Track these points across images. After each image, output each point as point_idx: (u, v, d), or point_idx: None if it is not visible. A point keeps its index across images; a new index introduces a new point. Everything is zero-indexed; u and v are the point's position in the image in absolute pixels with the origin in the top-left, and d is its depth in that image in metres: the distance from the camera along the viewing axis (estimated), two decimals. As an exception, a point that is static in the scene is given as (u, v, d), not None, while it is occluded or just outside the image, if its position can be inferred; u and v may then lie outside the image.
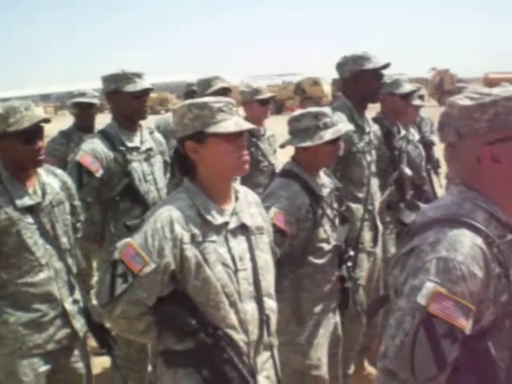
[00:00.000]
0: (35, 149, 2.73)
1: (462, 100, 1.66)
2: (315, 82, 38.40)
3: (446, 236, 1.56)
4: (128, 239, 2.14)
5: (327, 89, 37.38)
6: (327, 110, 3.11)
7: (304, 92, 38.52)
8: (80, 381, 2.97)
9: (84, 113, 5.19)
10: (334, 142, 3.03)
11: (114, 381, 3.60)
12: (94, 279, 4.85)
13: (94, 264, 4.79)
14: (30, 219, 2.76)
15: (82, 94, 5.20)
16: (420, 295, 1.53)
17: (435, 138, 6.28)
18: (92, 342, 3.20)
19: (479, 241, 1.55)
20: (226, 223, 2.19)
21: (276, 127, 5.31)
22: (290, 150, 3.21)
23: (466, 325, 1.51)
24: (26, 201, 2.77)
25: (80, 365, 2.96)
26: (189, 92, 5.60)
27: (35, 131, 2.73)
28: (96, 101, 5.22)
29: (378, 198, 4.00)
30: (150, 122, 3.82)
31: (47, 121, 2.77)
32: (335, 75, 4.07)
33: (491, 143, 1.60)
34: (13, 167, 2.77)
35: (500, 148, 1.60)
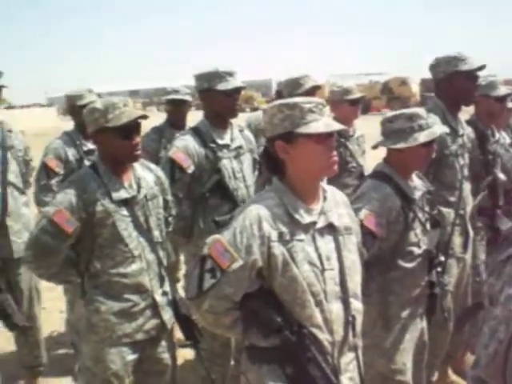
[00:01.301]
0: (132, 144, 2.80)
1: None
2: (403, 82, 37.68)
3: None
4: (217, 235, 2.17)
5: (415, 89, 36.61)
6: (422, 111, 3.02)
7: (391, 92, 37.88)
8: (165, 371, 3.05)
9: (176, 109, 5.25)
10: (428, 144, 2.95)
11: (197, 373, 3.68)
12: (181, 272, 4.96)
13: (182, 257, 4.91)
14: (125, 212, 2.85)
15: (176, 91, 5.26)
16: (515, 304, 1.48)
17: (531, 143, 6.02)
18: (178, 334, 3.27)
19: None
20: (314, 222, 2.18)
21: (362, 127, 5.24)
22: (379, 152, 3.16)
23: None
24: (122, 194, 2.86)
25: (166, 355, 3.03)
26: (280, 90, 5.60)
27: (133, 127, 2.81)
28: (188, 98, 5.29)
29: (469, 203, 3.88)
30: (238, 119, 3.87)
31: (145, 117, 2.84)
32: (423, 75, 3.98)
33: None
34: (110, 161, 2.86)
35: None
